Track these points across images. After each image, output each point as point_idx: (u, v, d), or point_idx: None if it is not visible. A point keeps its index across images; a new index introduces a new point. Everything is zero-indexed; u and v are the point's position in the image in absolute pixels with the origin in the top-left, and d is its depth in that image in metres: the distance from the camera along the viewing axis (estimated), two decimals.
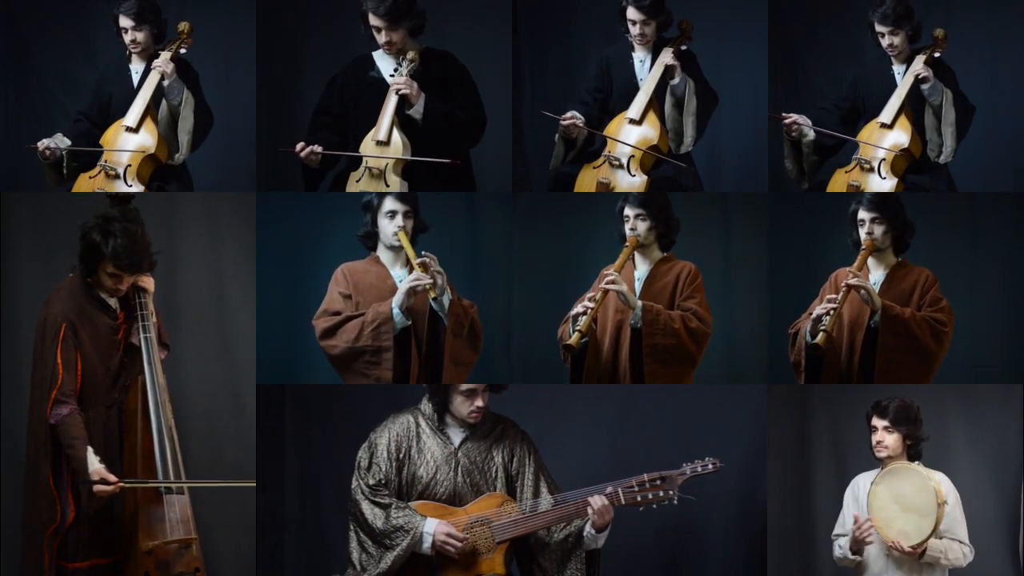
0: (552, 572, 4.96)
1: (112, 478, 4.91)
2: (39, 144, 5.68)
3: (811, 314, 5.37)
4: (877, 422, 5.11)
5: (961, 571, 5.17)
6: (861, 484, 5.18)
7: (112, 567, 5.05)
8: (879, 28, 5.67)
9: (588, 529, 4.94)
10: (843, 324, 5.37)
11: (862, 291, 5.31)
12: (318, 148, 5.60)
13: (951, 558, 5.05)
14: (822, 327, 5.26)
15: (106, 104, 5.77)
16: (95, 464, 4.91)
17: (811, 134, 5.73)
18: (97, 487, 4.90)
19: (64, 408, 4.94)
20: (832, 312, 5.27)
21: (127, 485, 4.94)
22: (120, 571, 5.04)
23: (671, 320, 5.35)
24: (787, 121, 5.73)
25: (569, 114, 5.74)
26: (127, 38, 5.70)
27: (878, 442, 5.10)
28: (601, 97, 5.87)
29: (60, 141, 5.70)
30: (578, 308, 5.33)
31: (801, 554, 5.73)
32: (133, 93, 5.70)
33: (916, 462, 5.10)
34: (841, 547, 5.14)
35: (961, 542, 5.08)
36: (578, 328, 5.27)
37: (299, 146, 5.60)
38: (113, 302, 5.11)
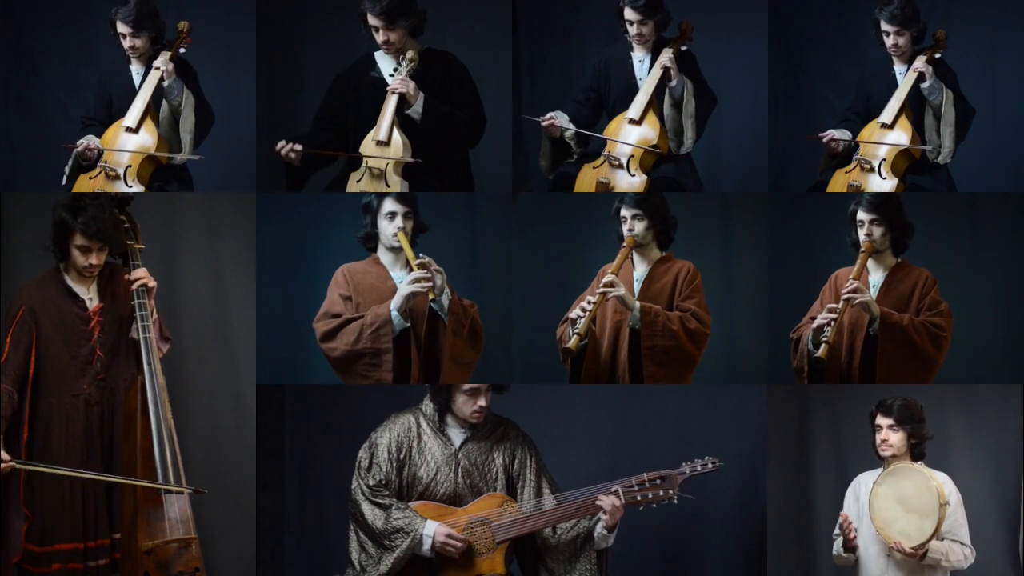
0: (560, 573, 4.97)
1: (5, 456, 4.92)
2: (79, 143, 5.67)
3: (812, 319, 5.36)
4: (882, 421, 5.10)
5: (962, 571, 5.17)
6: (863, 483, 5.18)
7: (71, 554, 5.05)
8: (885, 27, 5.66)
9: (599, 529, 4.95)
10: (842, 327, 5.36)
11: (860, 303, 5.30)
12: (298, 147, 5.61)
13: (952, 560, 5.05)
14: (824, 339, 5.25)
15: (107, 105, 5.78)
16: None
17: (851, 144, 5.73)
18: None
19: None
20: (833, 323, 5.26)
21: (19, 466, 4.93)
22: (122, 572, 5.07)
23: (669, 321, 5.35)
24: (826, 140, 5.71)
25: (548, 115, 5.75)
26: (125, 44, 5.69)
27: (882, 441, 5.09)
28: (594, 97, 5.88)
29: (94, 142, 5.70)
30: (576, 311, 5.33)
31: (801, 554, 5.72)
32: (133, 94, 5.71)
33: (919, 462, 5.10)
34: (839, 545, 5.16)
35: (962, 543, 5.08)
36: (577, 332, 5.27)
37: (279, 144, 5.61)
38: (86, 292, 5.14)
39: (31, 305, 5.08)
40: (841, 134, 5.72)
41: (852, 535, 5.06)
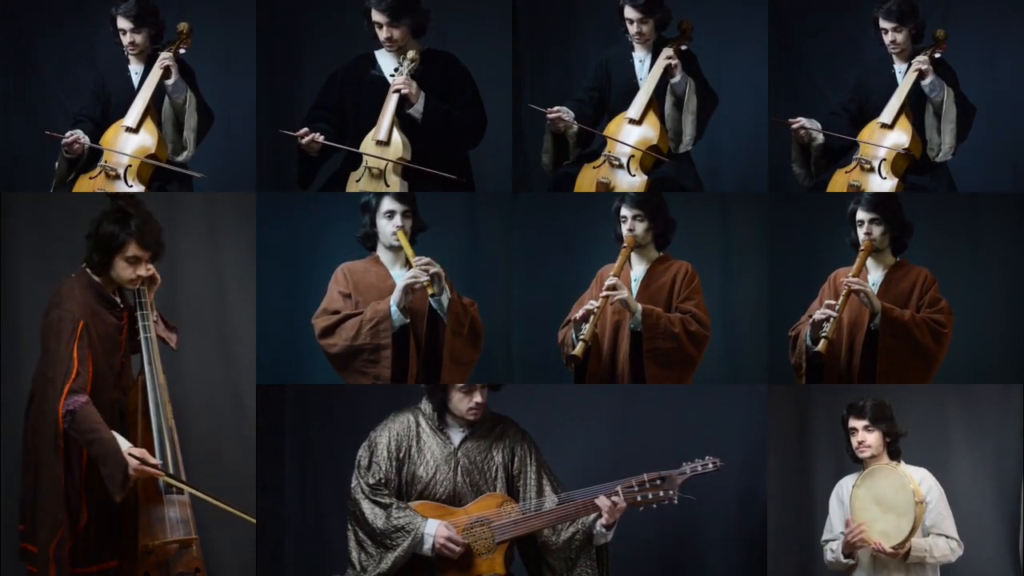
0: (562, 571, 4.97)
1: (153, 460, 4.85)
2: (68, 134, 5.64)
3: (811, 316, 5.37)
4: (855, 423, 5.14)
5: (961, 570, 5.17)
6: (845, 487, 5.20)
7: (118, 570, 5.03)
8: (883, 24, 5.67)
9: (598, 526, 4.95)
10: (842, 326, 5.37)
11: (862, 295, 5.31)
12: (320, 137, 5.61)
13: (937, 555, 5.06)
14: (823, 334, 5.26)
15: (105, 105, 5.77)
16: (127, 443, 4.83)
17: (820, 137, 5.73)
18: (137, 465, 4.80)
19: (81, 396, 4.82)
20: (832, 318, 5.27)
21: (168, 478, 4.90)
22: (122, 572, 5.04)
23: (671, 324, 5.36)
24: (795, 126, 5.72)
25: (556, 108, 5.75)
26: (125, 40, 5.70)
27: (860, 442, 5.13)
28: (597, 96, 5.88)
29: (84, 137, 5.67)
30: (579, 314, 5.33)
31: (801, 554, 5.72)
32: (132, 94, 5.71)
33: (897, 460, 5.12)
34: (833, 551, 5.15)
35: (948, 536, 5.08)
36: (582, 338, 5.27)
37: (302, 131, 5.60)
38: (116, 300, 5.09)
39: (85, 318, 4.90)
40: (811, 123, 5.72)
41: (860, 541, 5.04)
